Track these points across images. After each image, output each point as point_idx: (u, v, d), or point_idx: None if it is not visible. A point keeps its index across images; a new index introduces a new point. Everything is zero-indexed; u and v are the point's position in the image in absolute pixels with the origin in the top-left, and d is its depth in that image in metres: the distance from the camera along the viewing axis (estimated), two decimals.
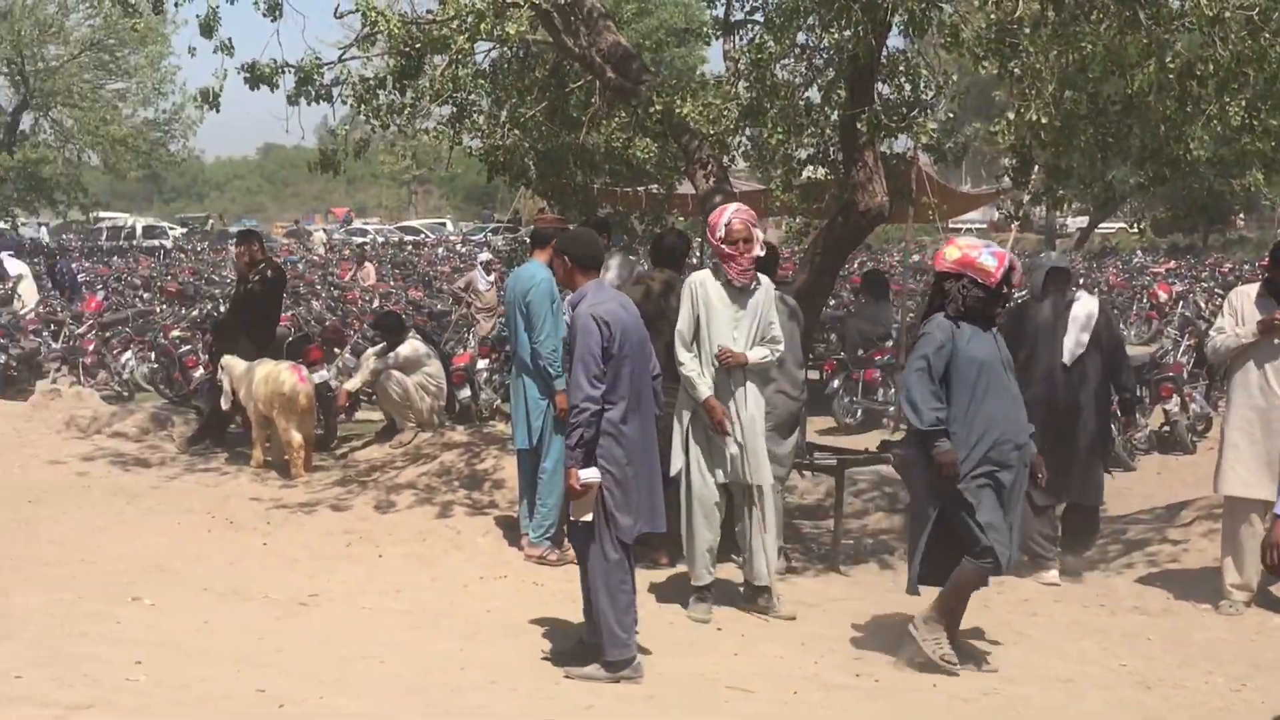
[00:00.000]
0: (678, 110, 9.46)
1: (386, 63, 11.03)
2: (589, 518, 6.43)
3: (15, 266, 22.01)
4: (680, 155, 10.69)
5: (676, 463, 7.69)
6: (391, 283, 28.56)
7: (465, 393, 14.34)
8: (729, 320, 7.63)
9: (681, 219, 18.09)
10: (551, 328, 8.76)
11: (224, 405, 12.00)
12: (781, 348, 7.84)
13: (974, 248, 6.79)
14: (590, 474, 6.32)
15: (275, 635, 7.12)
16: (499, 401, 14.50)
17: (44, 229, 53.70)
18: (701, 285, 7.68)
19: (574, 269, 6.64)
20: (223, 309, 18.57)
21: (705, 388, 7.59)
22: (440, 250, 46.01)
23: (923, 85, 9.87)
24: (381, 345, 12.71)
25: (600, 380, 6.32)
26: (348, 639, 7.06)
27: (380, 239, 54.98)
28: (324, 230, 56.10)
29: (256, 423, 11.68)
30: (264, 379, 11.43)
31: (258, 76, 10.50)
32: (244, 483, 11.20)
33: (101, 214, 53.00)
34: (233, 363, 11.87)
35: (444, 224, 66.67)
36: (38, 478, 11.14)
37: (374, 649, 6.91)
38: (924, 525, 6.83)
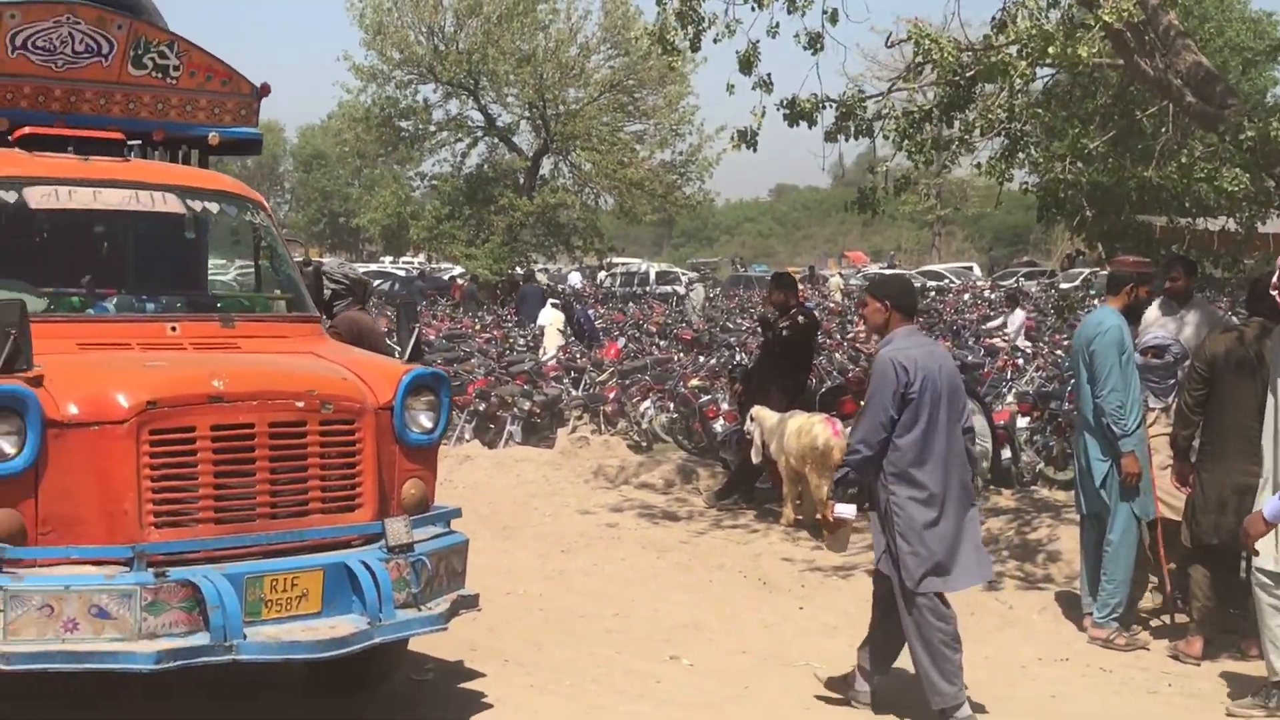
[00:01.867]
0: (1275, 135, 8.92)
1: (932, 94, 11.11)
2: (841, 552, 7.18)
3: (549, 315, 24.02)
4: (1273, 188, 10.09)
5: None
6: None
7: (1006, 453, 14.05)
8: None
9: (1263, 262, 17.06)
10: (1118, 381, 8.49)
11: (755, 459, 12.30)
12: None
13: None
14: (846, 510, 6.82)
15: (819, 709, 7.23)
16: (1041, 465, 14.15)
17: (577, 275, 57.19)
18: None
19: (894, 313, 6.95)
20: (740, 357, 19.13)
21: None
22: (966, 296, 45.50)
23: None
24: None
25: (886, 428, 6.68)
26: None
27: None
28: (840, 275, 56.84)
29: (788, 479, 11.92)
30: (796, 432, 11.64)
31: (798, 113, 10.83)
32: (775, 541, 11.47)
33: (615, 259, 55.80)
34: (763, 414, 12.15)
35: (970, 268, 66.05)
36: (569, 527, 11.87)
37: None
38: None
